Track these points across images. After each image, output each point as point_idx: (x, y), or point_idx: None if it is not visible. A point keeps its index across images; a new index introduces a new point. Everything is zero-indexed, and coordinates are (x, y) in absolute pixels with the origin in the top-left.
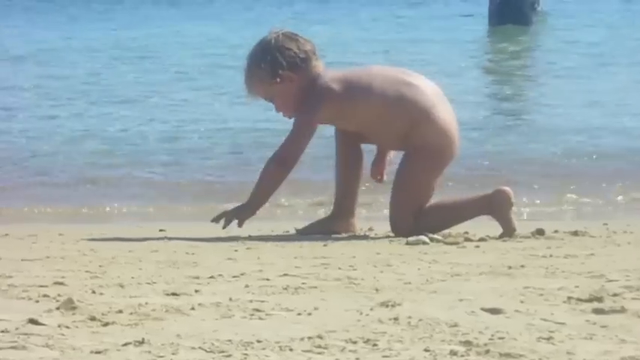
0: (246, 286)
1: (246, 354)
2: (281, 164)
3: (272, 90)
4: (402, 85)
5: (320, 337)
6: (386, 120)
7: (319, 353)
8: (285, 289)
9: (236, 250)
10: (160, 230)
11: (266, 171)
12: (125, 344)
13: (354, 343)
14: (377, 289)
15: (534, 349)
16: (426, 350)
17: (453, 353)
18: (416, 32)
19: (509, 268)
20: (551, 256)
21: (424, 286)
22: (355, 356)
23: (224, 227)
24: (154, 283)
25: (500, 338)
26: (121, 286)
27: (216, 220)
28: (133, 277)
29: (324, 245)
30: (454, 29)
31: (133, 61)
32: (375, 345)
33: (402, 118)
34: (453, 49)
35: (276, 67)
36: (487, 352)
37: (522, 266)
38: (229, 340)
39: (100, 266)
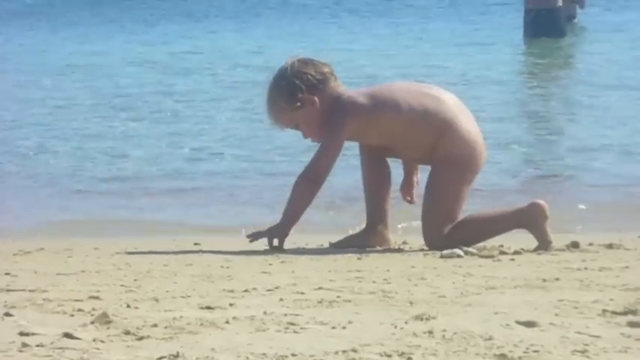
0: (281, 299)
1: None
2: (310, 181)
3: (295, 116)
4: (424, 97)
5: (354, 350)
6: (411, 132)
7: None
8: (320, 302)
9: (270, 264)
10: (195, 244)
11: (296, 189)
12: (160, 358)
13: (389, 356)
14: (411, 303)
15: None
16: None
17: None
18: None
19: (544, 281)
20: (585, 268)
21: (458, 300)
22: None
23: (252, 241)
24: (189, 296)
25: (535, 351)
26: (156, 300)
27: (252, 238)
28: (167, 291)
29: (359, 259)
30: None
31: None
32: (409, 358)
33: (427, 130)
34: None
35: (295, 91)
36: None
37: (557, 279)
38: (264, 354)
39: (134, 280)
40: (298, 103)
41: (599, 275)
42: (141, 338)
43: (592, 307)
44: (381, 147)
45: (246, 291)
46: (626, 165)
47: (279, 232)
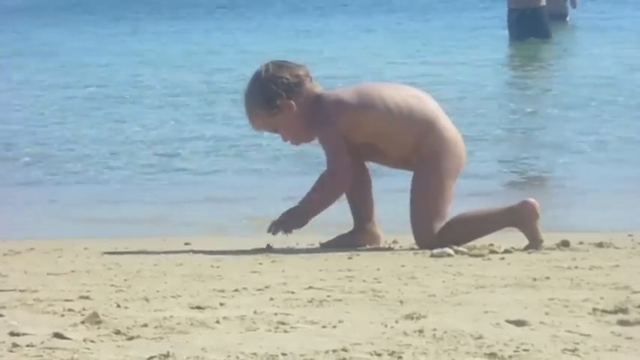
0: (271, 299)
1: None
2: (333, 177)
3: (273, 121)
4: (408, 97)
5: (345, 349)
6: (397, 130)
7: None
8: (310, 301)
9: (261, 264)
10: (185, 244)
11: (323, 186)
12: (150, 358)
13: (379, 355)
14: (401, 302)
15: None
16: None
17: None
18: (435, 48)
19: (534, 280)
20: (576, 267)
21: (449, 299)
22: None
23: (274, 234)
24: (179, 296)
25: (525, 350)
26: (146, 299)
27: (271, 231)
28: (157, 291)
29: (349, 258)
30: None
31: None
32: (399, 357)
33: (412, 128)
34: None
35: (272, 97)
36: None
37: (547, 278)
38: (254, 354)
39: (124, 280)
40: (275, 109)
41: (589, 274)
42: (131, 338)
43: (582, 306)
44: (364, 146)
45: (236, 290)
46: (612, 164)
47: (295, 223)
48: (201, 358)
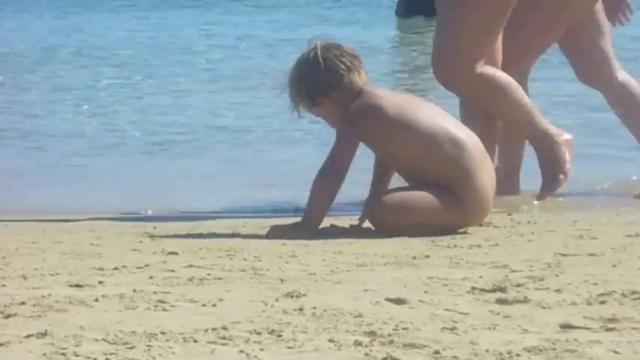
0: (151, 277)
1: (150, 345)
2: (330, 176)
3: (315, 112)
4: (447, 142)
5: (224, 328)
6: (419, 168)
7: (224, 344)
8: (190, 280)
9: (141, 242)
10: (65, 221)
11: (316, 185)
12: (27, 336)
13: (259, 334)
14: (282, 280)
15: (438, 339)
16: (331, 341)
17: (358, 344)
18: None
19: (414, 258)
20: (455, 246)
21: (329, 277)
22: (259, 347)
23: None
24: (58, 274)
25: (404, 329)
26: (24, 277)
27: (271, 236)
28: (36, 269)
29: (230, 236)
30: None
31: None
32: (279, 336)
33: (438, 173)
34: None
35: (313, 93)
36: (391, 342)
37: (427, 256)
38: (133, 332)
39: (2, 258)
40: (315, 103)
41: (468, 252)
42: (8, 316)
43: (461, 285)
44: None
45: (115, 269)
46: None
47: (304, 232)
48: (80, 336)
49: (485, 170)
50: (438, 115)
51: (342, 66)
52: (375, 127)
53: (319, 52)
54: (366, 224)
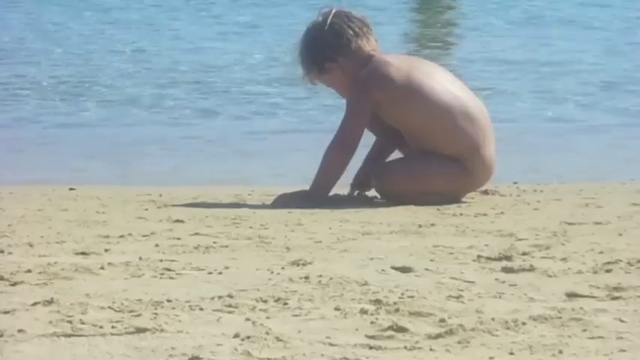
0: (157, 245)
1: (155, 313)
2: (342, 148)
3: (324, 79)
4: (459, 115)
5: (230, 296)
6: (431, 137)
7: (230, 312)
8: (196, 248)
9: (146, 209)
10: (70, 189)
11: (327, 157)
12: (34, 304)
13: (265, 302)
14: (288, 248)
15: (443, 307)
16: (337, 309)
17: (364, 312)
18: None
19: (420, 226)
20: (461, 214)
21: (335, 245)
22: (266, 315)
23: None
24: (64, 242)
25: (410, 297)
26: (30, 245)
27: (278, 205)
28: (42, 237)
29: (236, 205)
30: None
31: None
32: (285, 304)
33: (451, 146)
34: None
35: (322, 60)
36: (397, 310)
37: (432, 225)
38: (139, 300)
39: (8, 225)
40: (323, 70)
41: (474, 221)
42: (15, 284)
43: (467, 253)
44: (389, 128)
45: (121, 237)
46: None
47: (309, 201)
48: (86, 304)
49: (491, 138)
50: (449, 82)
51: (350, 31)
52: (385, 97)
53: (328, 18)
54: (372, 193)
